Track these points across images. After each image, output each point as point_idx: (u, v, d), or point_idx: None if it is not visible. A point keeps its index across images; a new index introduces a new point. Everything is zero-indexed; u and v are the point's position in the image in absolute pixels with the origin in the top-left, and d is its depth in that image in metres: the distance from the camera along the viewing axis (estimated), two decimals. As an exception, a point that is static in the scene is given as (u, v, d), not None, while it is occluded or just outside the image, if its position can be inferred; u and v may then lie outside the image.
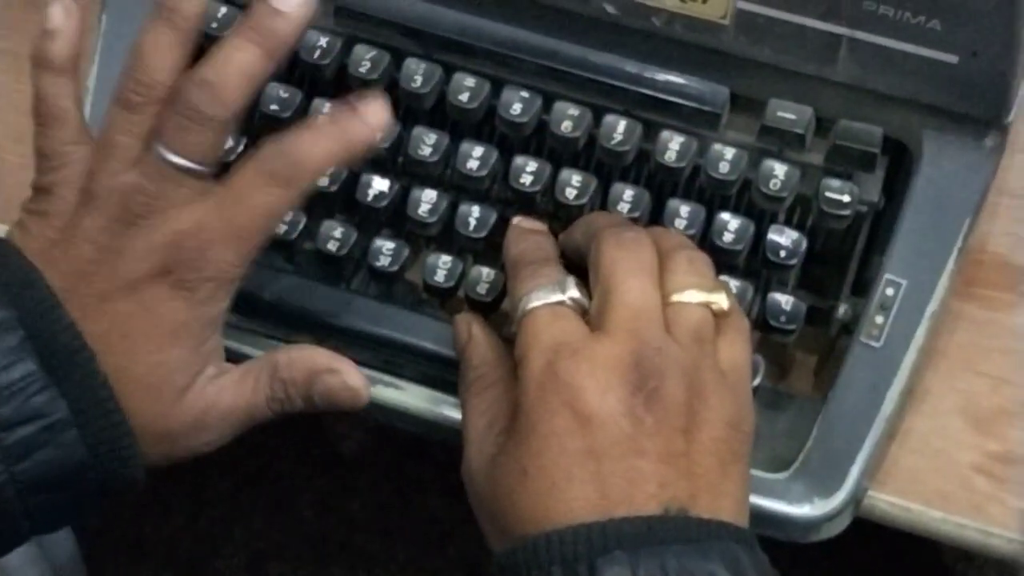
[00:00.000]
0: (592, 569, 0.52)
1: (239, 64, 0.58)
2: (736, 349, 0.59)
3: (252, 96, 0.59)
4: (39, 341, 0.56)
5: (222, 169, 0.60)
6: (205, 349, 0.60)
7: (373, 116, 0.59)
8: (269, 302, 0.66)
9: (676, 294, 0.58)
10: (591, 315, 0.58)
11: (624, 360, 0.55)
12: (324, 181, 0.67)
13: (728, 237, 0.64)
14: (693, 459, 0.55)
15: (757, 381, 0.63)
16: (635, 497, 0.54)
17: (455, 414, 0.64)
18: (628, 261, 0.58)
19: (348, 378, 0.61)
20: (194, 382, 0.60)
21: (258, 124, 0.68)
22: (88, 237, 0.58)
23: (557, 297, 0.58)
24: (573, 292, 0.58)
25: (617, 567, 0.52)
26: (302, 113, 0.67)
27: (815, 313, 0.65)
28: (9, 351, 0.56)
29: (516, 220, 0.64)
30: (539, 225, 0.64)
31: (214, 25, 0.68)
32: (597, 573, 0.52)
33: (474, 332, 0.62)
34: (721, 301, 0.58)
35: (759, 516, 0.62)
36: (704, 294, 0.58)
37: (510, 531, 0.56)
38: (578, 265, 0.60)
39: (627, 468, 0.54)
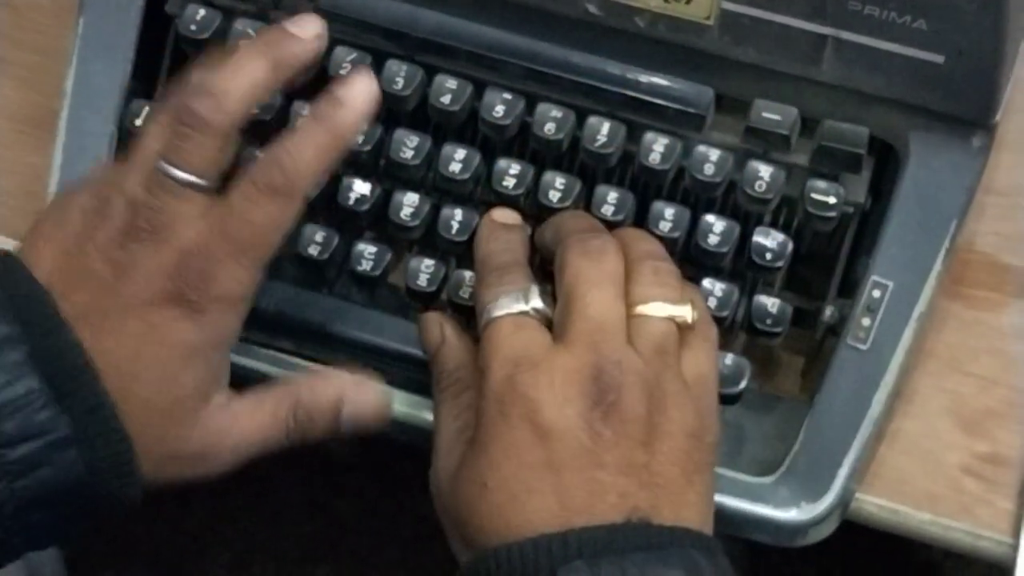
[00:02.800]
0: None
1: (247, 77, 0.58)
2: (701, 360, 0.58)
3: (254, 108, 0.59)
4: (43, 357, 0.55)
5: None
6: (217, 373, 0.59)
7: (358, 96, 0.58)
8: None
9: (640, 306, 0.58)
10: (555, 325, 0.58)
11: (583, 373, 0.55)
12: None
13: (713, 239, 0.64)
14: (654, 470, 0.55)
15: (743, 384, 0.63)
16: (596, 507, 0.54)
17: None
18: (592, 271, 0.58)
19: (376, 394, 0.62)
20: (205, 407, 0.59)
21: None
22: (98, 250, 0.57)
23: (520, 307, 0.58)
24: (536, 302, 0.58)
25: None
26: (283, 116, 0.67)
27: (801, 315, 0.65)
28: (13, 367, 0.55)
29: (491, 212, 0.64)
30: (513, 218, 0.63)
31: (192, 27, 0.67)
32: None
33: (447, 334, 0.61)
34: (686, 314, 0.58)
35: (745, 521, 0.62)
36: (669, 306, 0.58)
37: (472, 542, 0.55)
38: (551, 264, 0.60)
39: (587, 480, 0.54)
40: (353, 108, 0.59)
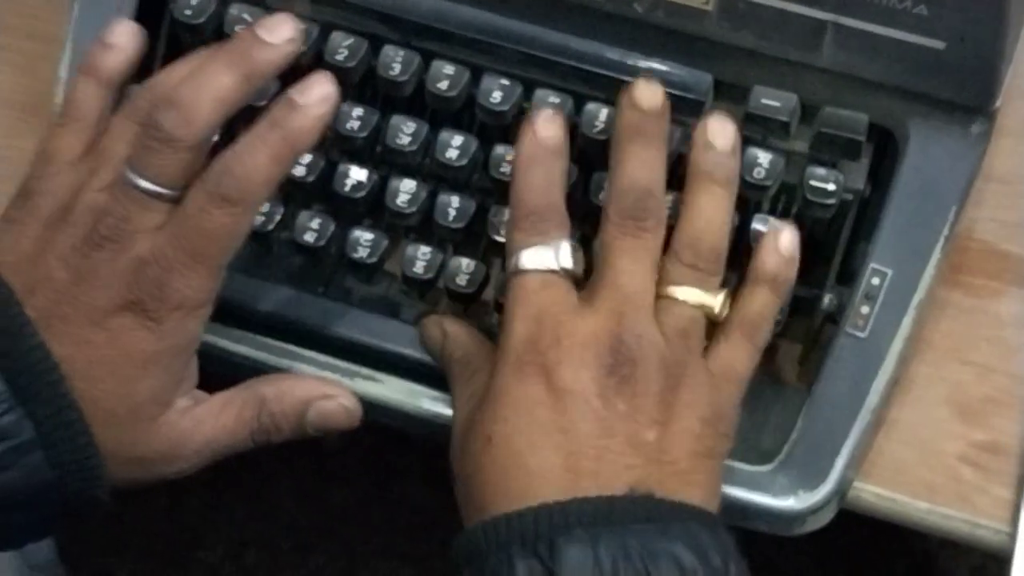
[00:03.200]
0: (552, 548, 0.51)
1: (213, 88, 0.57)
2: (737, 357, 0.59)
3: (224, 120, 0.58)
4: (7, 360, 0.55)
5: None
6: (178, 379, 0.59)
7: (314, 101, 0.57)
8: (243, 309, 0.65)
9: (672, 287, 0.58)
10: (587, 284, 0.58)
11: (603, 340, 0.55)
12: (301, 171, 0.66)
13: (712, 226, 0.63)
14: (663, 448, 0.55)
15: None
16: (600, 475, 0.54)
17: (434, 407, 0.64)
18: (630, 242, 0.57)
19: (344, 400, 0.62)
20: (167, 412, 0.59)
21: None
22: (59, 254, 0.57)
23: (550, 264, 0.58)
24: (567, 261, 0.58)
25: (577, 546, 0.51)
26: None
27: (800, 303, 0.64)
28: None
29: (534, 123, 0.60)
30: (558, 129, 0.60)
31: (187, 12, 0.66)
32: (557, 552, 0.51)
33: (448, 329, 0.62)
34: (715, 305, 0.58)
35: (743, 509, 0.62)
36: (699, 293, 0.58)
37: (477, 505, 0.55)
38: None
39: (594, 446, 0.54)
40: (308, 114, 0.57)
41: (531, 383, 0.55)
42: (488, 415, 0.56)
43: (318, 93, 0.57)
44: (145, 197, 0.57)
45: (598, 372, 0.55)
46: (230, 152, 0.57)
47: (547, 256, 0.57)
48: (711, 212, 0.60)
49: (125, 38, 0.62)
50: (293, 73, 0.66)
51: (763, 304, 0.60)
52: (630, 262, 0.57)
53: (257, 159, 0.57)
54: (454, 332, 0.62)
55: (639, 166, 0.59)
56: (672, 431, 0.55)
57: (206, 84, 0.57)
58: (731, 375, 0.58)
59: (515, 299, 0.57)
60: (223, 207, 0.56)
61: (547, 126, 0.60)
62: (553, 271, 0.57)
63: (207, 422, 0.60)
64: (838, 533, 0.66)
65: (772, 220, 0.63)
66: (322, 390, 0.62)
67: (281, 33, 0.59)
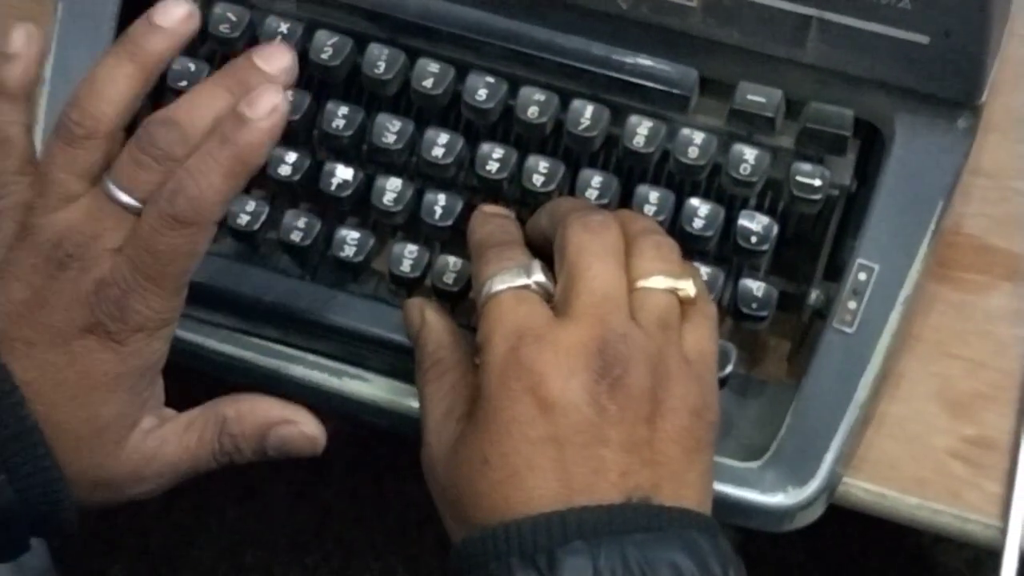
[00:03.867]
0: (552, 560, 0.51)
1: (212, 111, 0.57)
2: (701, 336, 0.58)
3: None
4: None
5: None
6: (143, 399, 0.59)
7: (263, 114, 0.56)
8: (231, 294, 0.65)
9: (642, 280, 0.57)
10: (556, 300, 0.57)
11: (588, 346, 0.55)
12: (287, 170, 0.66)
13: (698, 223, 0.63)
14: (656, 448, 0.54)
15: (729, 368, 0.62)
16: (597, 486, 0.53)
17: (423, 406, 0.63)
18: (594, 245, 0.57)
19: (305, 427, 0.61)
20: (131, 433, 0.59)
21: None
22: (20, 275, 0.57)
23: (522, 281, 0.57)
24: (538, 276, 0.57)
25: (577, 558, 0.51)
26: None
27: (787, 299, 0.64)
28: None
29: (480, 207, 0.63)
30: (504, 211, 0.63)
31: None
32: (557, 564, 0.51)
33: (428, 317, 0.61)
34: (688, 288, 0.57)
35: (732, 505, 0.62)
36: (671, 280, 0.57)
37: (470, 521, 0.55)
38: (544, 252, 0.59)
39: (589, 456, 0.54)
40: (258, 128, 0.56)
41: (520, 400, 0.54)
42: (483, 437, 0.55)
43: (267, 104, 0.56)
44: (121, 212, 0.56)
45: (588, 379, 0.54)
46: (183, 171, 0.56)
47: (518, 274, 0.57)
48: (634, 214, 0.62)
49: (21, 43, 0.60)
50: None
51: (696, 276, 0.60)
52: (595, 260, 0.57)
53: (210, 178, 0.56)
54: (431, 322, 0.61)
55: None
56: (664, 428, 0.55)
57: (204, 106, 0.57)
58: (705, 357, 0.58)
59: (491, 319, 0.56)
60: (177, 228, 0.55)
61: (491, 208, 0.63)
62: (526, 286, 0.57)
63: (171, 442, 0.60)
64: (832, 529, 0.66)
65: (757, 216, 0.63)
66: (283, 414, 0.61)
67: (277, 63, 0.59)
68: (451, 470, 0.56)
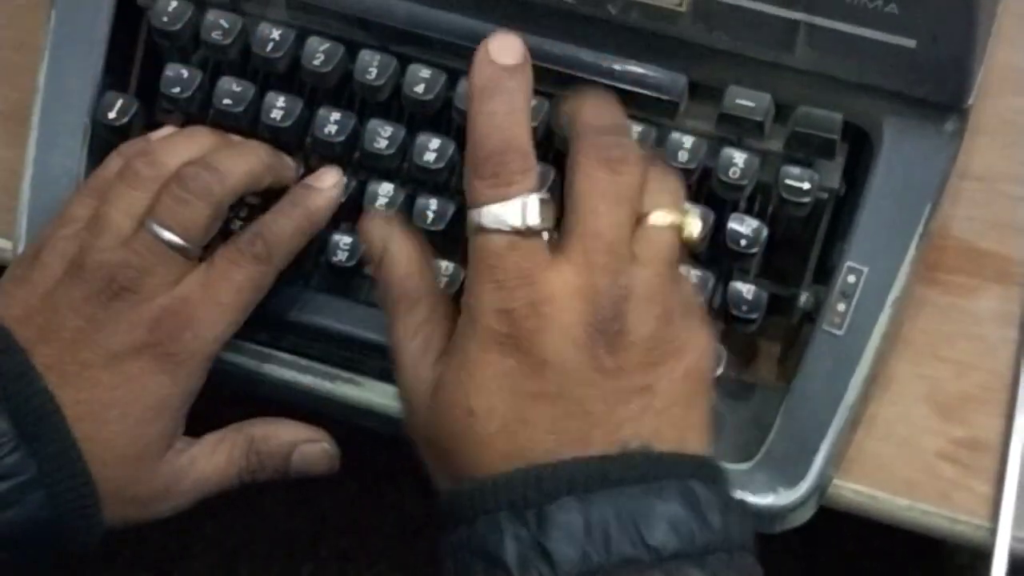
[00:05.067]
0: (540, 517, 0.50)
1: (247, 164, 0.63)
2: (684, 282, 0.57)
3: (245, 194, 0.64)
4: (12, 402, 0.57)
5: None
6: (183, 421, 0.61)
7: (327, 183, 0.64)
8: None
9: (649, 215, 0.55)
10: (560, 233, 0.54)
11: (585, 298, 0.52)
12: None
13: (688, 226, 0.63)
14: (658, 391, 0.53)
15: (719, 371, 0.62)
16: (593, 436, 0.52)
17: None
18: (607, 183, 0.53)
19: (327, 444, 0.64)
20: (167, 452, 0.61)
21: (212, 119, 0.67)
22: (73, 307, 0.59)
23: (515, 222, 0.52)
24: (534, 218, 0.52)
25: (567, 514, 0.50)
26: (255, 107, 0.66)
27: (777, 302, 0.65)
28: None
29: (488, 43, 0.55)
30: (516, 49, 0.55)
31: (164, 19, 0.67)
32: (546, 521, 0.50)
33: (389, 240, 0.58)
34: (692, 227, 0.56)
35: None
36: (675, 215, 0.56)
37: (458, 473, 0.53)
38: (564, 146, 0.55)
39: (586, 410, 0.52)
40: (324, 195, 0.64)
41: (510, 355, 0.52)
42: (466, 386, 0.53)
43: (330, 179, 0.65)
44: (167, 249, 0.60)
45: (584, 334, 0.52)
46: (259, 222, 0.62)
47: (512, 213, 0.52)
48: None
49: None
50: (272, 80, 0.67)
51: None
52: (606, 205, 0.53)
53: (284, 228, 0.62)
54: (394, 249, 0.58)
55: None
56: (666, 374, 0.53)
57: (242, 157, 0.63)
58: (690, 303, 0.56)
59: (480, 263, 0.53)
60: (253, 262, 0.61)
61: (504, 49, 0.54)
62: (519, 231, 0.52)
63: (200, 461, 0.62)
64: (825, 531, 0.66)
65: (747, 219, 0.63)
66: (308, 434, 0.64)
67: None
68: (434, 417, 0.54)
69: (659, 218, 0.55)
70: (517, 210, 0.53)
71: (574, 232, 0.53)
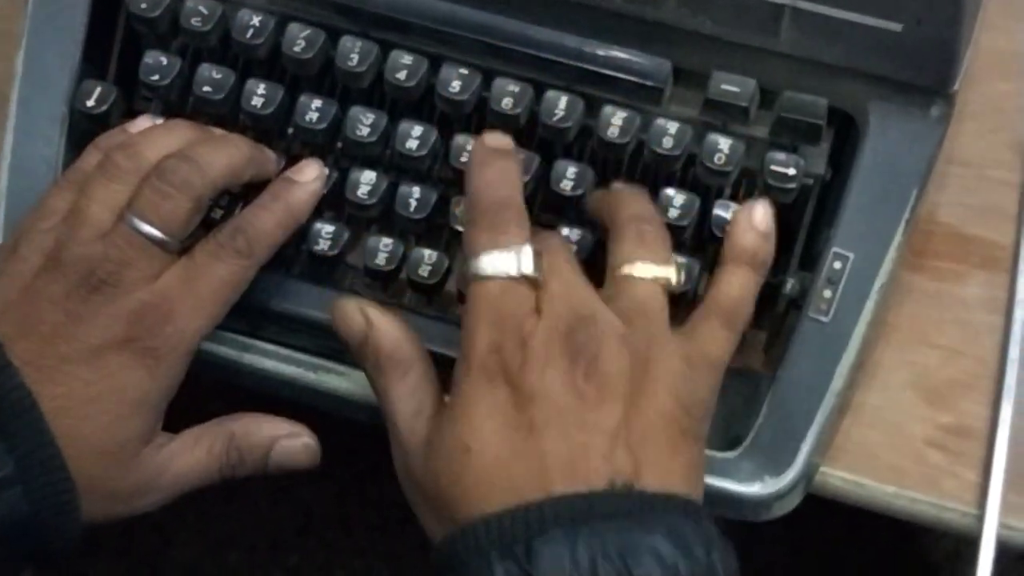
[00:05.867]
0: (529, 550, 0.51)
1: (227, 158, 0.62)
2: (714, 341, 0.58)
3: (226, 188, 0.63)
4: None
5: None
6: (159, 415, 0.61)
7: (307, 177, 0.64)
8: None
9: (624, 266, 0.58)
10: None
11: (560, 330, 0.55)
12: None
13: (673, 213, 0.63)
14: (637, 430, 0.54)
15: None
16: (580, 471, 0.53)
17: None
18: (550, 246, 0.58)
19: (307, 438, 0.63)
20: (145, 448, 0.60)
21: (192, 106, 0.67)
22: (52, 300, 0.59)
23: (511, 270, 0.56)
24: (528, 267, 0.56)
25: (555, 547, 0.51)
26: (236, 95, 0.66)
27: (763, 288, 0.64)
28: None
29: (483, 137, 0.60)
30: (506, 142, 0.60)
31: (142, 6, 0.66)
32: (534, 554, 0.51)
33: (372, 316, 0.59)
34: (670, 275, 0.58)
35: (709, 495, 0.61)
36: (652, 267, 0.58)
37: (453, 516, 0.54)
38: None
39: (570, 443, 0.54)
40: (305, 188, 0.64)
41: (500, 390, 0.55)
42: (463, 427, 0.55)
43: (311, 172, 0.64)
44: (147, 243, 0.60)
45: (564, 365, 0.54)
46: (239, 217, 0.62)
47: (508, 262, 0.56)
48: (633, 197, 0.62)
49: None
50: (252, 67, 0.67)
51: (741, 285, 0.60)
52: (556, 263, 0.57)
53: (265, 222, 0.62)
54: (380, 323, 0.59)
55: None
56: (646, 412, 0.54)
57: (222, 150, 0.63)
58: (707, 359, 0.58)
59: (476, 306, 0.56)
60: (234, 257, 0.61)
61: (496, 138, 0.61)
62: (513, 278, 0.56)
63: (180, 456, 0.62)
64: (811, 520, 0.66)
65: (732, 205, 0.63)
66: (287, 428, 0.63)
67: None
68: (430, 464, 0.56)
69: (632, 270, 0.58)
70: (513, 259, 0.57)
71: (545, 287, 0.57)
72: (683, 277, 0.59)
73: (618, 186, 0.64)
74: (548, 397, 0.54)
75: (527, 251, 0.57)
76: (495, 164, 0.59)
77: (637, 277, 0.58)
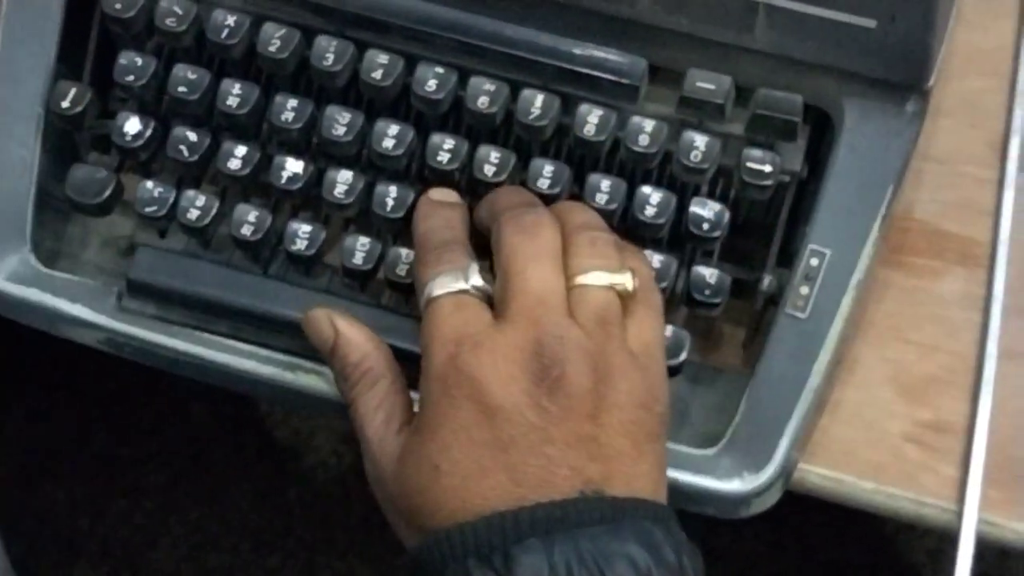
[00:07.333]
0: (507, 558, 0.52)
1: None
2: (646, 328, 0.58)
3: None
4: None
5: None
6: None
7: None
8: (182, 290, 0.65)
9: (579, 276, 0.57)
10: (495, 302, 0.57)
11: (526, 350, 0.55)
12: (236, 164, 0.66)
13: (650, 211, 0.63)
14: (603, 442, 0.55)
15: (683, 356, 0.62)
16: (549, 482, 0.54)
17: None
18: (528, 247, 0.57)
19: None
20: None
21: (167, 107, 0.67)
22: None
23: (460, 286, 0.57)
24: (476, 280, 0.58)
25: (532, 554, 0.52)
26: (211, 95, 0.66)
27: (740, 286, 0.64)
28: None
29: (428, 192, 0.63)
30: (451, 195, 0.63)
31: (117, 6, 0.66)
32: (512, 562, 0.51)
33: (340, 326, 0.60)
34: (626, 282, 0.58)
35: (688, 493, 0.62)
36: (607, 275, 0.58)
37: (425, 527, 0.55)
38: (488, 242, 0.59)
39: (538, 456, 0.54)
40: None
41: (464, 406, 0.55)
42: (431, 445, 0.55)
43: None
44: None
45: (527, 383, 0.55)
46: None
47: (456, 279, 0.57)
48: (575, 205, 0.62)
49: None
50: (227, 67, 0.67)
51: (640, 265, 0.60)
52: (531, 264, 0.57)
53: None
54: (347, 332, 0.60)
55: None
56: (610, 423, 0.55)
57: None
58: (650, 350, 0.58)
59: (431, 325, 0.57)
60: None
61: (439, 191, 0.63)
62: (464, 291, 0.57)
63: None
64: (793, 520, 0.66)
65: (709, 203, 0.63)
66: None
67: None
68: (402, 481, 0.56)
69: (590, 279, 0.57)
70: (459, 274, 0.58)
71: (508, 295, 0.57)
72: (636, 282, 0.58)
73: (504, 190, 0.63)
74: (511, 413, 0.54)
75: (473, 267, 0.58)
76: (440, 213, 0.61)
77: (594, 286, 0.57)
